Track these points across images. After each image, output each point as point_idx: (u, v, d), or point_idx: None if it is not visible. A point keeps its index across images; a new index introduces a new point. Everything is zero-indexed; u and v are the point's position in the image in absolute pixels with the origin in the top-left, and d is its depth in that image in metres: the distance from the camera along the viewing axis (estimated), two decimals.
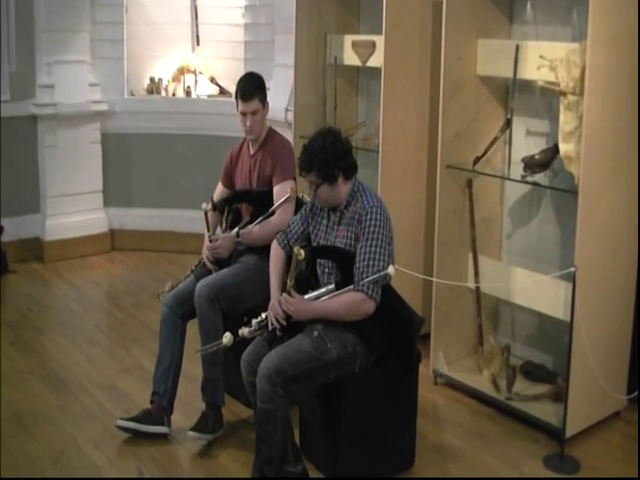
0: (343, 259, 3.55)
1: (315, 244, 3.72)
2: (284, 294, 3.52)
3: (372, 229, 3.50)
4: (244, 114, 4.22)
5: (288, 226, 3.87)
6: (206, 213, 4.23)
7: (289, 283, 3.52)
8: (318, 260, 3.67)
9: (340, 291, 3.52)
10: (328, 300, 3.53)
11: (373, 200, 3.59)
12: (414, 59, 4.91)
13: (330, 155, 3.53)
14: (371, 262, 3.46)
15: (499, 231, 4.83)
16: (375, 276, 3.44)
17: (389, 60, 4.76)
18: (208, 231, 4.26)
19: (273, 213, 4.19)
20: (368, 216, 3.52)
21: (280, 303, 3.51)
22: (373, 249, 3.48)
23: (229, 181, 4.46)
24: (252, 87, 4.24)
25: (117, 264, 6.93)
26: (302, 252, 3.43)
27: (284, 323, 3.50)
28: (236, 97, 4.26)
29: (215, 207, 4.28)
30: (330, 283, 3.58)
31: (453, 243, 4.62)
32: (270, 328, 3.55)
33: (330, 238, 3.65)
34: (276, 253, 3.86)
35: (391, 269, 3.45)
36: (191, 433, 4.00)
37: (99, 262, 6.94)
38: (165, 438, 4.08)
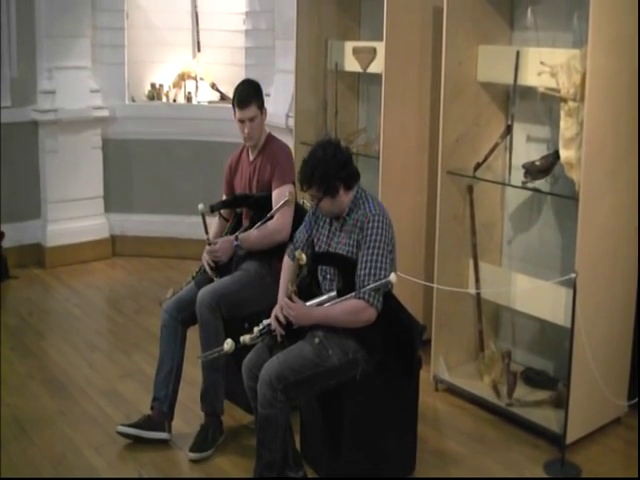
0: (345, 266, 3.55)
1: (317, 250, 3.72)
2: (285, 299, 3.52)
3: (374, 237, 3.50)
4: (242, 121, 4.22)
5: (295, 236, 3.87)
6: (203, 215, 4.20)
7: (290, 288, 3.53)
8: (320, 267, 3.67)
9: (341, 298, 3.52)
10: (329, 307, 3.53)
11: (376, 208, 3.59)
12: (415, 65, 4.92)
13: (331, 167, 3.52)
14: (372, 270, 3.46)
15: (500, 237, 4.83)
16: (377, 284, 3.44)
17: (390, 66, 4.77)
18: (206, 233, 4.25)
19: (272, 217, 4.19)
20: (370, 224, 3.52)
21: (282, 308, 3.52)
22: (374, 257, 3.48)
23: (231, 190, 4.46)
24: (249, 94, 4.23)
25: (118, 269, 6.93)
26: (304, 257, 3.44)
27: (282, 332, 3.50)
28: (233, 105, 4.26)
29: (212, 209, 4.28)
30: (332, 290, 3.58)
31: (454, 249, 4.62)
32: (270, 330, 3.55)
33: (332, 244, 3.65)
34: (285, 264, 3.87)
35: (393, 277, 3.44)
36: (191, 455, 3.97)
37: (100, 267, 6.94)
38: (166, 443, 4.08)
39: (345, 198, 3.60)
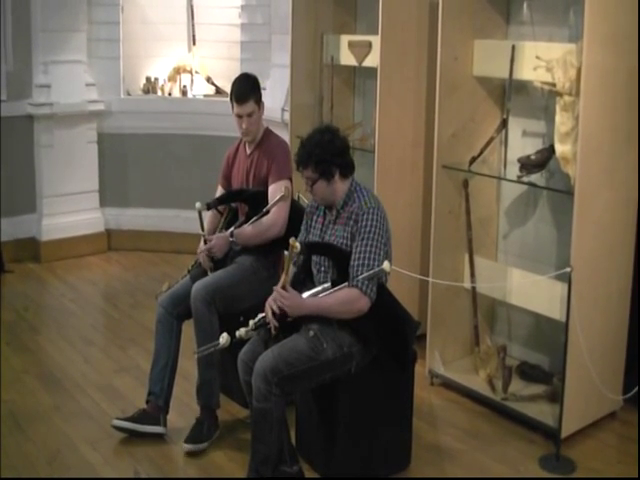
0: (339, 257, 3.55)
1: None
2: (278, 289, 3.50)
3: (368, 229, 3.50)
4: (240, 116, 4.21)
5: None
6: (200, 212, 4.22)
7: (284, 277, 3.51)
8: (314, 259, 3.67)
9: (335, 288, 3.51)
10: (322, 297, 3.52)
11: (371, 201, 3.59)
12: (410, 59, 4.91)
13: (327, 151, 3.54)
14: (366, 261, 3.46)
15: (495, 231, 4.83)
16: (370, 272, 3.43)
17: (385, 60, 4.76)
18: (202, 231, 4.26)
19: (268, 212, 4.19)
20: (365, 216, 3.52)
21: (275, 299, 3.50)
22: (368, 248, 3.48)
23: (227, 183, 4.46)
24: (247, 89, 4.23)
25: (113, 264, 6.92)
26: (297, 244, 3.42)
27: (276, 323, 3.49)
28: (231, 99, 4.24)
29: (209, 206, 4.28)
30: (326, 282, 3.58)
31: (449, 243, 4.62)
32: (265, 322, 3.53)
33: (325, 237, 3.66)
34: None
35: (386, 265, 3.43)
36: (186, 446, 3.97)
37: (95, 262, 6.94)
38: (161, 438, 4.08)
39: (340, 186, 3.60)
